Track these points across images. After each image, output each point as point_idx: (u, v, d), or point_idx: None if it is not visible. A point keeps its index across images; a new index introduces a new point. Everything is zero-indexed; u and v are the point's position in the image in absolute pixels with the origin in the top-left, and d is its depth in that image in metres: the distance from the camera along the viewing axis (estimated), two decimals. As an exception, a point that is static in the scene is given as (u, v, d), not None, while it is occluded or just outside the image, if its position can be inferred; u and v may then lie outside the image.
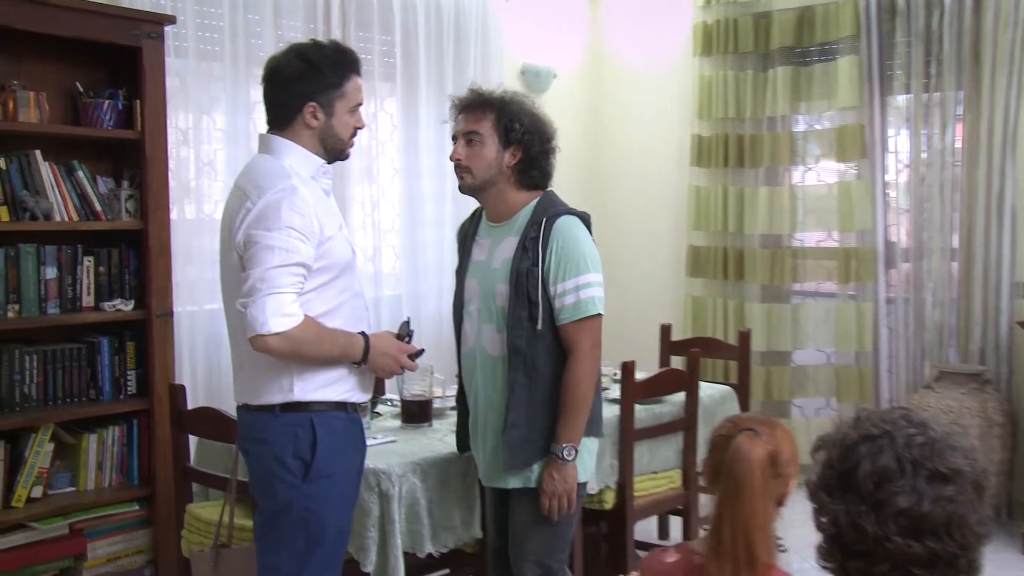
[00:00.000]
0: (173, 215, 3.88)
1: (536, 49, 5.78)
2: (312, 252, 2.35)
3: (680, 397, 3.88)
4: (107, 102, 3.65)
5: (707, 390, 4.15)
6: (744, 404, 4.44)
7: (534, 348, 2.65)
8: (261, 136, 2.54)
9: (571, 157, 6.03)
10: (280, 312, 2.27)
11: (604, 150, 6.20)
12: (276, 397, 2.41)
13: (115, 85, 3.73)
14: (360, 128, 2.58)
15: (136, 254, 3.77)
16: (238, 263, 2.36)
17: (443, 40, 5.13)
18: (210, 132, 4.25)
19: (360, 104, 2.56)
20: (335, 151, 2.54)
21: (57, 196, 3.55)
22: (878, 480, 1.42)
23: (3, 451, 3.45)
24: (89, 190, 3.64)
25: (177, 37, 4.05)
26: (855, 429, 1.49)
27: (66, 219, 3.57)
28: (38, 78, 3.63)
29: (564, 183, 5.92)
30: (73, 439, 3.64)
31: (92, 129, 3.65)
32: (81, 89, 3.68)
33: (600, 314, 2.68)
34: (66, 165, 3.62)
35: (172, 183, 3.84)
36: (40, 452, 3.51)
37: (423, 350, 2.63)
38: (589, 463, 2.81)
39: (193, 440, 3.36)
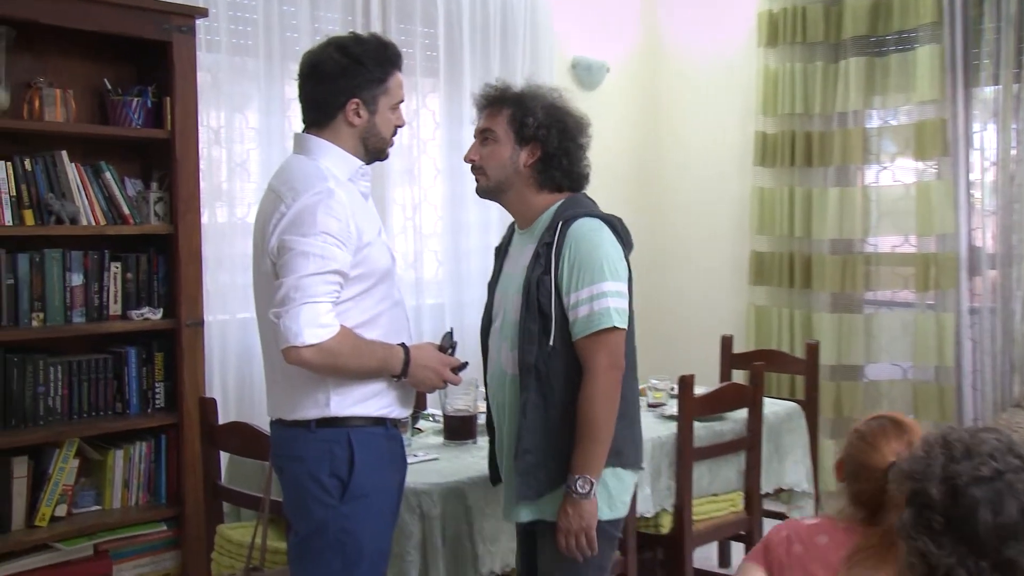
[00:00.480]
0: (204, 219, 3.92)
1: (588, 41, 5.77)
2: (349, 259, 2.36)
3: (742, 414, 3.86)
4: (136, 100, 3.70)
5: (772, 407, 4.11)
6: (812, 422, 4.39)
7: (550, 366, 2.52)
8: (297, 136, 2.56)
9: (624, 156, 6.05)
10: (315, 322, 2.28)
11: (660, 149, 6.16)
12: (311, 412, 2.42)
13: (144, 82, 3.78)
14: (401, 126, 2.60)
15: (165, 260, 3.81)
16: (271, 270, 2.37)
17: (489, 32, 5.14)
18: (243, 131, 4.30)
19: (402, 101, 2.58)
20: (376, 150, 2.55)
21: (83, 199, 3.60)
22: (1003, 536, 1.34)
23: (26, 467, 3.50)
24: (117, 192, 3.69)
25: (209, 31, 4.10)
26: (949, 459, 1.41)
27: (93, 223, 3.62)
28: (64, 75, 3.69)
29: (617, 184, 5.99)
30: (99, 455, 3.69)
31: (120, 128, 3.70)
32: (109, 86, 3.73)
33: (619, 328, 2.53)
34: (93, 166, 3.68)
35: (203, 185, 3.88)
36: (64, 468, 3.56)
37: (467, 363, 2.62)
38: (620, 497, 2.63)
39: (224, 457, 3.38)
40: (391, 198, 4.79)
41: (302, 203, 2.33)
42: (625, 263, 2.61)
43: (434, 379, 2.54)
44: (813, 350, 4.60)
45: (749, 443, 3.82)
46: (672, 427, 3.65)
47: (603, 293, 2.52)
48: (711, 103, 5.93)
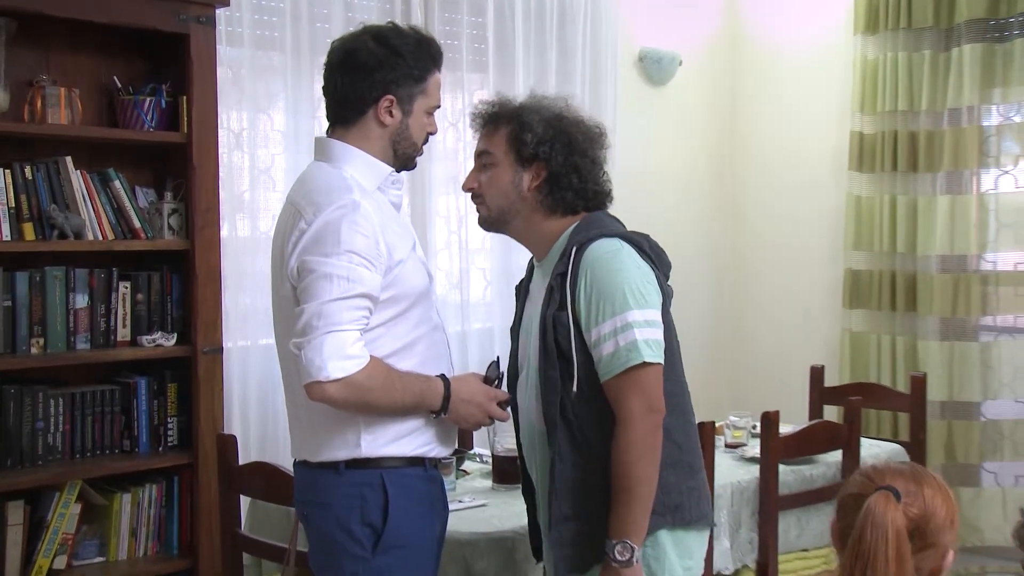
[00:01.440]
0: (224, 233, 3.96)
1: (657, 30, 5.77)
2: (379, 280, 2.36)
3: (836, 457, 3.83)
4: (148, 99, 3.76)
5: (871, 449, 4.07)
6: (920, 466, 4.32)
7: (579, 414, 2.44)
8: (318, 140, 2.57)
9: (697, 160, 6.03)
10: (341, 354, 2.28)
11: (740, 152, 6.14)
12: (340, 453, 2.43)
13: (158, 80, 3.83)
14: (433, 133, 2.60)
15: (180, 279, 3.86)
16: (292, 295, 2.38)
17: (544, 22, 5.16)
18: (267, 134, 4.35)
19: (439, 106, 2.59)
20: (405, 157, 2.56)
21: (90, 211, 3.66)
22: None
23: (22, 513, 3.53)
24: (127, 203, 3.75)
25: (230, 22, 4.16)
26: None
27: (100, 238, 3.67)
28: (70, 72, 3.76)
29: (688, 193, 5.98)
30: (103, 499, 3.72)
31: (131, 132, 3.76)
32: (119, 85, 3.79)
33: (651, 363, 2.40)
34: (100, 174, 3.74)
35: (223, 195, 3.93)
36: (65, 515, 3.59)
37: (511, 397, 2.61)
38: (683, 563, 2.52)
39: (245, 502, 3.40)
40: (433, 209, 4.81)
41: (324, 219, 2.33)
42: (655, 285, 2.48)
43: (479, 415, 2.53)
44: (919, 384, 4.54)
45: (844, 491, 3.76)
46: (754, 471, 3.63)
47: (628, 324, 2.39)
48: (799, 99, 5.90)
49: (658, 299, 2.47)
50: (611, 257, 2.45)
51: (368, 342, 2.36)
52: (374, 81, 2.47)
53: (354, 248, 2.32)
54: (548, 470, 2.51)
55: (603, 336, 2.40)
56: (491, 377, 2.58)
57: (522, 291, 2.76)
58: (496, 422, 2.60)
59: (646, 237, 2.56)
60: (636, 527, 2.39)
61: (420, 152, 2.59)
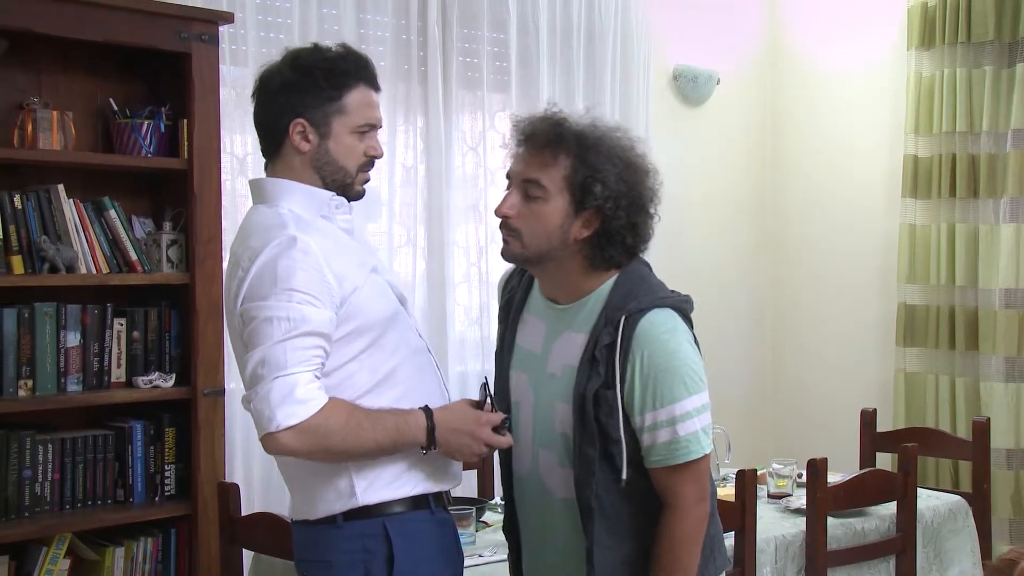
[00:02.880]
0: (226, 265, 3.97)
1: (693, 47, 5.80)
2: (328, 315, 2.34)
3: (890, 509, 3.81)
4: (147, 123, 3.80)
5: (929, 500, 4.06)
6: (983, 521, 4.30)
7: (615, 497, 2.42)
8: (251, 183, 2.59)
9: (737, 186, 6.05)
10: (290, 399, 2.26)
11: (783, 177, 6.14)
12: (336, 505, 2.43)
13: (157, 102, 3.88)
14: (376, 157, 2.56)
15: (180, 315, 3.89)
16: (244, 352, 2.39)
17: (571, 38, 5.20)
18: (273, 159, 4.38)
19: (374, 125, 2.54)
20: (336, 184, 2.51)
21: (83, 242, 3.69)
22: None
23: (7, 570, 3.54)
24: (123, 234, 3.78)
25: (234, 40, 4.21)
26: None
27: (93, 271, 3.70)
28: (63, 94, 3.80)
29: (727, 220, 5.99)
30: (95, 554, 3.72)
31: (128, 157, 3.79)
32: (115, 107, 3.83)
33: (708, 453, 2.42)
34: (95, 203, 3.77)
35: (225, 224, 3.95)
36: (53, 571, 3.59)
37: (507, 417, 2.53)
38: None
39: (247, 555, 3.41)
40: (452, 239, 4.84)
41: (260, 262, 2.33)
42: (702, 359, 2.46)
43: (473, 445, 2.48)
44: (982, 429, 4.51)
45: (900, 546, 3.75)
46: (800, 523, 3.61)
47: (687, 414, 2.37)
48: (847, 120, 5.90)
49: (705, 381, 2.44)
50: (668, 337, 2.39)
51: (343, 380, 2.37)
52: (281, 106, 2.47)
53: (293, 285, 2.30)
54: (572, 544, 2.47)
55: (659, 423, 2.37)
56: (481, 400, 2.51)
57: (511, 312, 2.65)
58: (496, 451, 2.57)
59: (687, 300, 2.51)
60: None
61: (359, 180, 2.54)
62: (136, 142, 3.79)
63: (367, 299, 2.43)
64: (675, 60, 5.75)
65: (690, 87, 5.78)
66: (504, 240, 2.49)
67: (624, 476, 2.39)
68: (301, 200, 2.47)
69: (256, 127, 2.56)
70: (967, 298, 5.45)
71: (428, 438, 2.41)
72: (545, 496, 2.54)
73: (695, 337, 2.48)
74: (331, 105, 2.47)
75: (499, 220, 2.49)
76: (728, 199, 6.00)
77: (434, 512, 2.50)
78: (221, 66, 3.90)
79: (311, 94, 2.46)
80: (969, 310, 5.44)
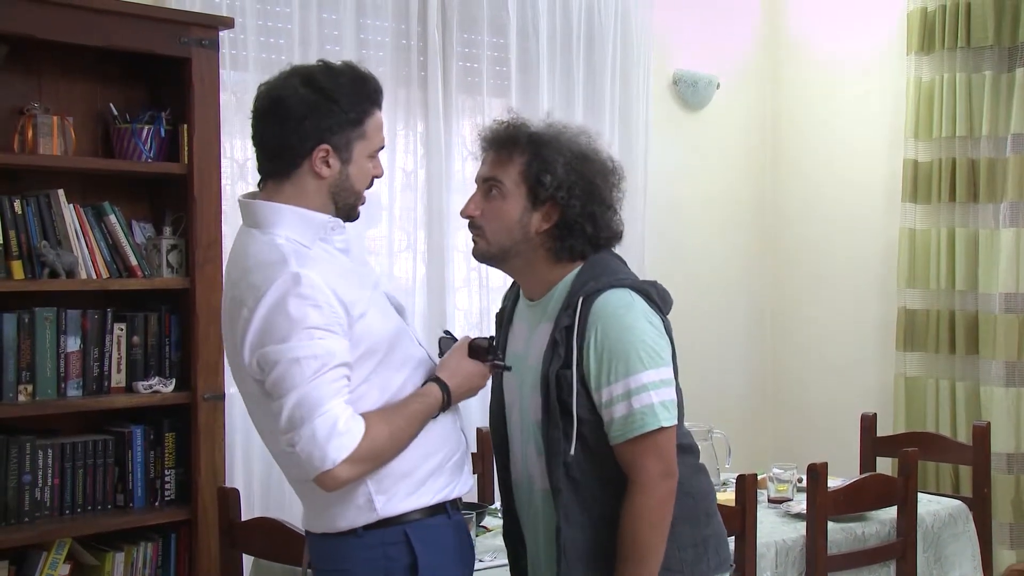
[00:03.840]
0: (223, 279, 3.97)
1: (693, 52, 5.81)
2: (346, 344, 2.35)
3: (890, 514, 3.81)
4: (147, 128, 3.80)
5: (929, 505, 4.06)
6: (984, 526, 4.30)
7: (587, 476, 2.46)
8: (241, 203, 2.52)
9: (737, 190, 6.05)
10: (335, 434, 2.27)
11: (783, 181, 6.15)
12: (357, 520, 2.43)
13: (157, 106, 3.88)
14: (378, 177, 2.55)
15: (180, 320, 3.89)
16: (257, 389, 2.39)
17: (571, 43, 5.20)
18: (273, 164, 4.38)
19: (382, 147, 2.54)
20: (347, 207, 2.50)
21: (83, 247, 3.69)
22: None
23: (7, 575, 3.54)
24: (123, 239, 3.78)
25: (234, 44, 4.21)
26: None
27: (93, 276, 3.70)
28: (63, 99, 3.80)
29: (727, 224, 5.99)
30: (95, 559, 3.73)
31: (128, 162, 3.80)
32: (115, 112, 3.84)
33: (667, 426, 2.43)
34: (95, 208, 3.78)
35: (226, 229, 3.95)
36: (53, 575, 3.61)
37: (509, 367, 2.61)
38: None
39: (247, 560, 3.41)
40: (451, 244, 4.84)
41: (267, 303, 2.31)
42: (667, 339, 2.50)
43: (475, 391, 2.58)
44: (982, 433, 4.50)
45: (900, 551, 3.75)
46: (800, 528, 3.61)
47: (643, 386, 2.41)
48: (847, 125, 5.91)
49: (670, 353, 2.49)
50: (623, 312, 2.45)
51: (355, 401, 2.36)
52: (305, 130, 2.40)
53: (310, 323, 2.29)
54: (550, 531, 2.51)
55: (615, 397, 2.41)
56: (480, 346, 2.57)
57: (504, 320, 2.74)
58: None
59: (653, 284, 2.56)
60: None
61: (362, 200, 2.54)
62: (136, 147, 3.79)
63: (372, 321, 2.42)
64: (675, 65, 5.76)
65: (690, 92, 5.79)
66: (473, 240, 2.61)
67: (571, 451, 2.43)
68: (297, 226, 2.42)
69: (264, 148, 2.47)
70: (967, 302, 5.46)
71: (445, 405, 2.49)
72: (530, 489, 2.59)
73: (665, 321, 2.52)
74: (354, 131, 2.44)
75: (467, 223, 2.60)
76: (728, 203, 6.00)
77: (451, 516, 2.52)
78: (221, 71, 3.91)
79: (335, 119, 2.42)
80: (969, 314, 5.45)
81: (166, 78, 3.89)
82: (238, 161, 4.28)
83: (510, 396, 2.64)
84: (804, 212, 6.08)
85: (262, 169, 2.50)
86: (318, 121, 2.40)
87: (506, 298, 2.78)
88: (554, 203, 2.52)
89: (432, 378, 2.50)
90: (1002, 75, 5.35)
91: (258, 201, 2.46)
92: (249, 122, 3.95)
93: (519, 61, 5.04)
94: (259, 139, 2.48)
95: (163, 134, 3.83)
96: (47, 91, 3.78)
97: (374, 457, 2.34)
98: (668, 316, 2.56)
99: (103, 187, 3.87)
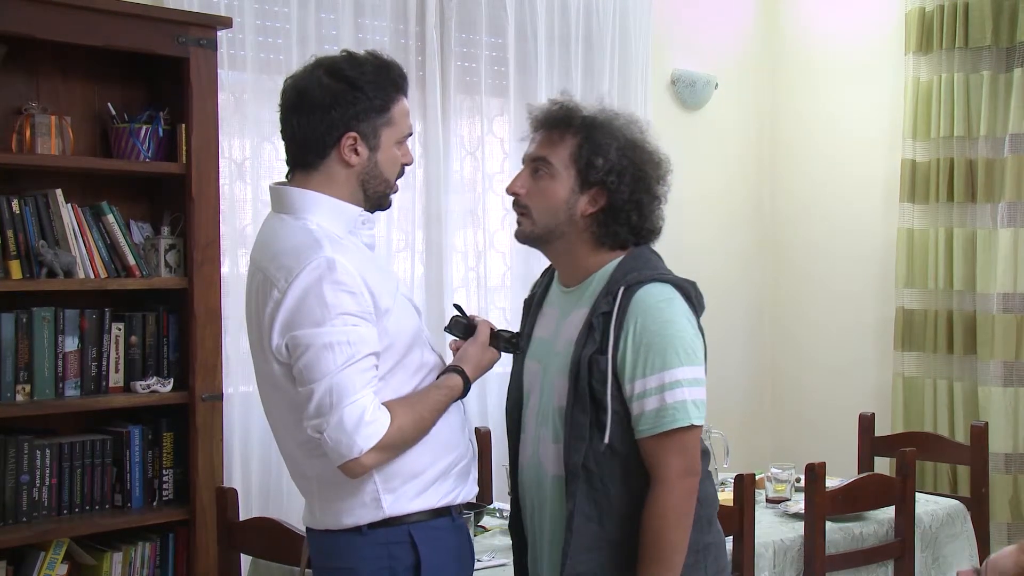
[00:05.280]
0: (224, 270, 4.00)
1: (691, 52, 5.81)
2: (375, 333, 2.37)
3: (888, 514, 3.82)
4: (145, 128, 3.80)
5: (927, 505, 4.07)
6: (981, 525, 4.31)
7: (604, 469, 2.44)
8: (273, 189, 2.55)
9: (735, 190, 6.05)
10: (364, 423, 2.30)
11: (781, 181, 6.15)
12: (363, 517, 2.44)
13: (155, 106, 3.88)
14: (408, 164, 2.58)
15: (178, 320, 3.89)
16: (282, 374, 2.39)
17: (569, 44, 5.20)
18: (272, 164, 4.37)
19: (410, 134, 2.57)
20: (378, 196, 2.53)
21: (81, 247, 3.69)
22: None
23: (4, 574, 3.54)
24: (121, 239, 3.78)
25: (232, 44, 4.21)
26: None
27: (91, 276, 3.70)
28: (61, 99, 3.81)
29: (725, 224, 5.99)
30: (92, 559, 3.72)
31: (126, 162, 3.80)
32: (113, 112, 3.84)
33: (696, 425, 2.43)
34: (93, 208, 3.78)
35: (224, 229, 3.97)
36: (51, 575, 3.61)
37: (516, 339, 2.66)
38: None
39: (246, 560, 3.41)
40: (450, 243, 4.84)
41: (300, 285, 2.33)
42: (702, 339, 2.52)
43: (492, 360, 2.64)
44: (980, 433, 4.51)
45: (899, 551, 3.76)
46: (798, 528, 3.62)
47: (677, 382, 2.41)
48: (845, 125, 5.91)
49: (703, 354, 2.49)
50: (664, 306, 2.45)
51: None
52: (332, 120, 2.44)
53: (344, 309, 2.32)
54: (559, 519, 2.50)
55: (649, 390, 2.40)
56: (503, 338, 2.63)
57: (533, 305, 2.73)
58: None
59: (693, 284, 2.55)
60: None
61: (394, 189, 2.57)
62: (134, 147, 3.79)
63: (397, 320, 2.45)
64: (673, 64, 5.75)
65: (688, 91, 5.78)
66: (517, 220, 2.62)
67: (606, 439, 2.41)
68: (330, 215, 2.45)
69: (293, 140, 2.50)
70: (965, 302, 5.46)
71: (462, 396, 2.55)
72: (541, 476, 2.57)
73: (699, 323, 2.52)
74: (381, 118, 2.48)
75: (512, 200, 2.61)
76: (726, 203, 6.00)
77: (454, 519, 2.53)
78: (219, 71, 3.91)
79: (362, 107, 2.45)
80: (967, 314, 5.44)
81: (164, 78, 3.89)
82: (236, 161, 4.28)
83: (529, 381, 2.64)
84: (802, 212, 6.08)
85: (291, 161, 2.53)
86: (344, 110, 2.44)
87: (537, 285, 2.77)
88: (602, 187, 2.52)
89: (453, 367, 2.53)
90: (1000, 75, 5.35)
91: (291, 187, 2.49)
92: (248, 122, 3.98)
93: (517, 61, 5.04)
94: (288, 131, 2.51)
95: (161, 134, 3.83)
96: (45, 91, 3.78)
97: (399, 445, 2.37)
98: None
99: (101, 187, 3.87)
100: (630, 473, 2.45)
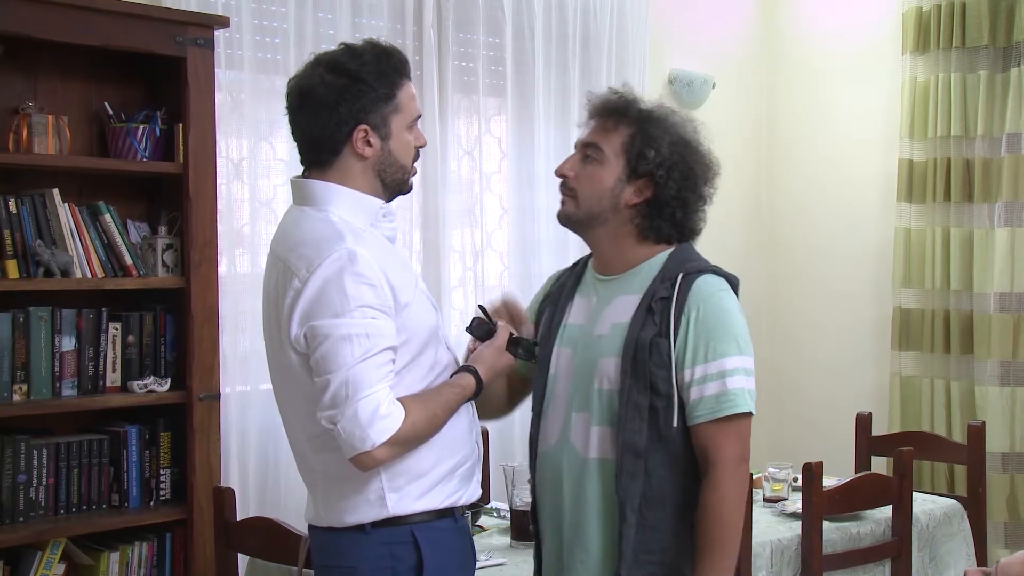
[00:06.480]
0: (222, 270, 3.99)
1: (688, 51, 5.81)
2: (394, 327, 2.37)
3: (885, 513, 3.82)
4: (142, 127, 3.80)
5: (924, 504, 4.07)
6: (978, 525, 4.30)
7: (652, 456, 2.48)
8: (295, 183, 2.55)
9: (733, 190, 6.01)
10: (378, 416, 2.30)
11: (778, 181, 6.15)
12: (366, 515, 2.44)
13: (152, 106, 3.87)
14: (422, 146, 2.58)
15: (175, 320, 3.88)
16: (298, 364, 2.40)
17: (567, 43, 5.20)
18: (269, 163, 4.38)
19: (419, 116, 2.57)
20: (396, 183, 2.54)
21: (78, 246, 3.68)
22: None
23: (2, 575, 3.53)
24: (118, 238, 3.78)
25: (229, 44, 4.20)
26: None
27: (88, 276, 3.70)
28: (58, 98, 3.80)
29: (723, 224, 5.93)
30: (89, 559, 3.72)
31: (123, 162, 3.79)
32: (110, 111, 3.83)
33: (751, 414, 2.51)
34: (90, 207, 3.77)
35: (221, 228, 3.96)
36: (48, 575, 3.60)
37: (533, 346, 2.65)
38: None
39: (243, 560, 3.40)
40: (447, 244, 4.83)
41: (321, 275, 2.33)
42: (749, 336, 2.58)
43: (506, 365, 2.62)
44: (977, 433, 4.51)
45: (896, 550, 3.75)
46: (795, 528, 3.62)
47: (736, 369, 2.48)
48: (842, 125, 5.91)
49: (753, 351, 2.55)
50: (723, 296, 2.54)
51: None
52: (341, 116, 2.44)
53: (365, 301, 2.33)
54: (600, 503, 2.53)
55: (709, 375, 2.47)
56: (520, 344, 2.61)
57: (562, 296, 2.72)
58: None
59: (738, 281, 2.63)
60: None
61: (412, 172, 2.57)
62: (131, 146, 3.78)
63: (416, 315, 2.45)
64: (671, 64, 5.75)
65: (686, 91, 5.78)
66: (561, 201, 2.65)
67: (675, 422, 2.46)
68: (351, 207, 2.46)
69: (304, 140, 2.51)
70: (962, 302, 5.46)
71: (474, 397, 2.54)
72: (573, 460, 2.58)
73: None
74: (388, 105, 2.48)
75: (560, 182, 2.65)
76: (723, 202, 5.85)
77: (457, 520, 2.54)
78: (217, 70, 3.90)
79: (368, 98, 2.45)
80: (964, 314, 5.45)
81: (162, 77, 3.89)
82: (233, 160, 4.28)
83: (557, 368, 2.65)
84: (799, 211, 6.08)
85: (305, 160, 2.54)
86: (351, 104, 2.44)
87: (563, 278, 2.78)
88: (649, 180, 2.57)
89: (467, 367, 2.53)
90: (997, 75, 5.35)
91: (313, 180, 2.49)
92: (245, 121, 3.98)
93: (515, 60, 5.04)
94: (298, 133, 2.52)
95: (158, 133, 3.82)
96: (42, 90, 3.78)
97: (411, 440, 2.37)
98: None
99: (98, 186, 3.86)
100: (678, 463, 2.50)
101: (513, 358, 2.60)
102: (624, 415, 2.48)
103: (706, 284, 2.53)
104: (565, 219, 2.66)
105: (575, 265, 2.79)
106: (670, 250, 2.61)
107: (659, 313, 2.50)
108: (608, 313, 2.59)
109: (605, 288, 2.64)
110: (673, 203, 2.59)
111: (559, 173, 2.65)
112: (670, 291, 2.50)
